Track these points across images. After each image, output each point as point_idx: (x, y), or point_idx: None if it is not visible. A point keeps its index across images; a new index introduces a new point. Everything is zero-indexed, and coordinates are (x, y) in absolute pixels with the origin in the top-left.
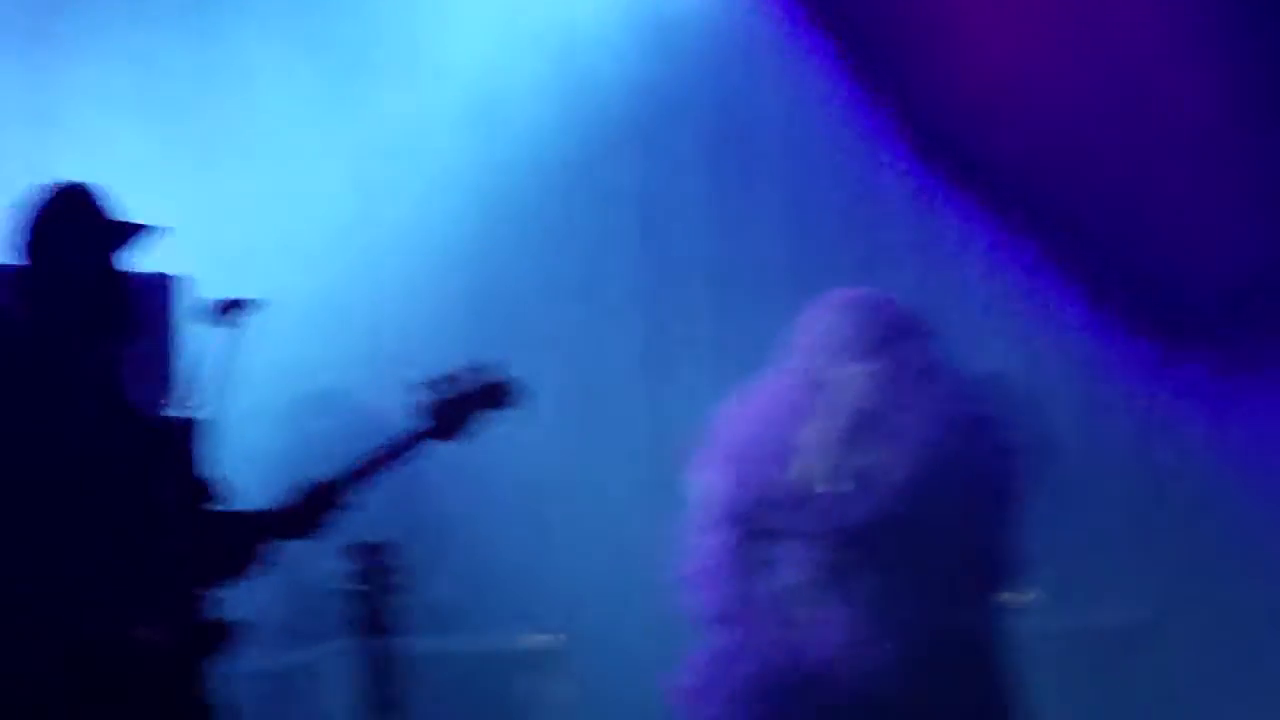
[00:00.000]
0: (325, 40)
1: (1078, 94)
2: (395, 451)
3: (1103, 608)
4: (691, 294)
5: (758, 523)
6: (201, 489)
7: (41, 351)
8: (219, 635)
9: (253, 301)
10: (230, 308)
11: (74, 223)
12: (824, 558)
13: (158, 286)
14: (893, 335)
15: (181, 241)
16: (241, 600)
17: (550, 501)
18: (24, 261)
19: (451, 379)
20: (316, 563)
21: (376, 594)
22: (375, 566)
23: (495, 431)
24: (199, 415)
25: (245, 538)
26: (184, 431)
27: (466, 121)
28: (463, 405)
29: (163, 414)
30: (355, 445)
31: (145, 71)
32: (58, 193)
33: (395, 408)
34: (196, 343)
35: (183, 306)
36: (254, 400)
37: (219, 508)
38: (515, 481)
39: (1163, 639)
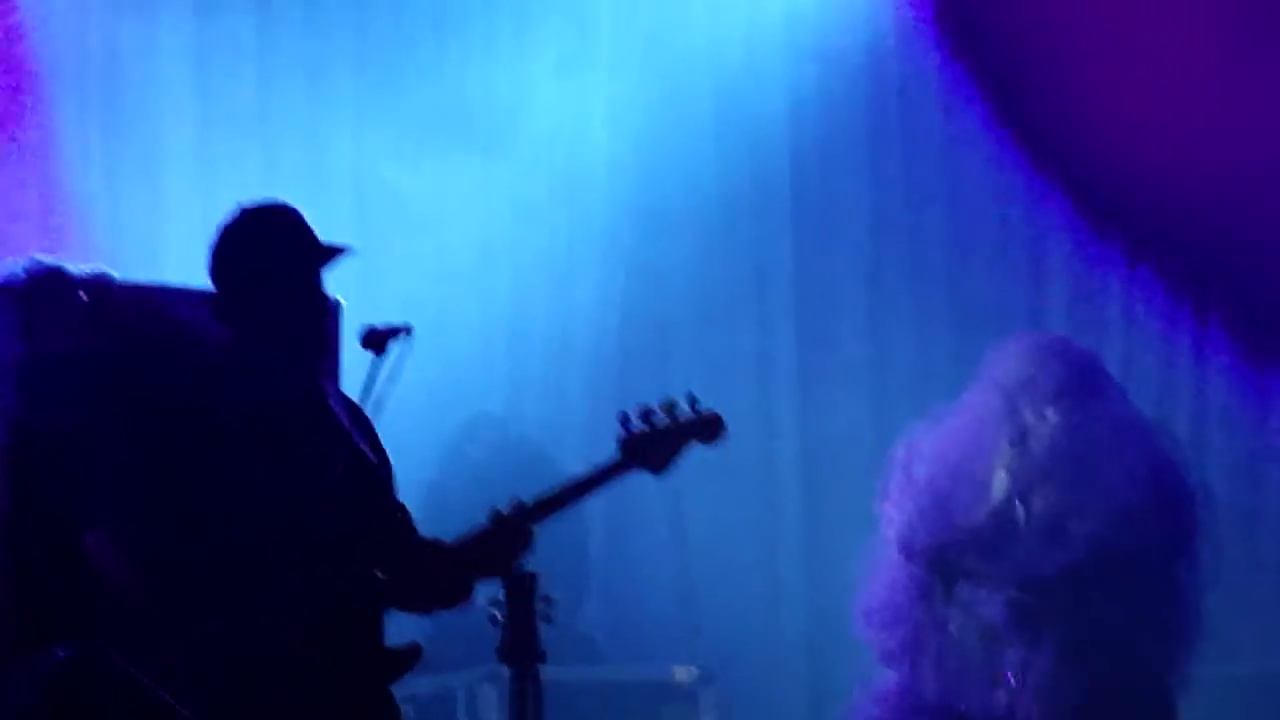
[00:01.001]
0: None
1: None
2: (596, 481)
3: (1244, 655)
4: (848, 316)
5: (948, 562)
6: (402, 515)
7: (240, 366)
8: (408, 658)
9: (409, 328)
10: (389, 334)
11: (285, 241)
12: (1014, 602)
13: (330, 310)
14: (1090, 385)
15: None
16: (392, 624)
17: (698, 532)
18: (229, 282)
19: (659, 411)
20: None
21: (523, 621)
22: (522, 594)
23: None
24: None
25: (454, 571)
26: (385, 457)
27: (624, 140)
28: (672, 438)
29: (366, 436)
30: (508, 470)
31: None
32: (264, 213)
33: (546, 435)
34: (356, 368)
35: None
36: (411, 425)
37: (417, 535)
38: (661, 514)
39: None
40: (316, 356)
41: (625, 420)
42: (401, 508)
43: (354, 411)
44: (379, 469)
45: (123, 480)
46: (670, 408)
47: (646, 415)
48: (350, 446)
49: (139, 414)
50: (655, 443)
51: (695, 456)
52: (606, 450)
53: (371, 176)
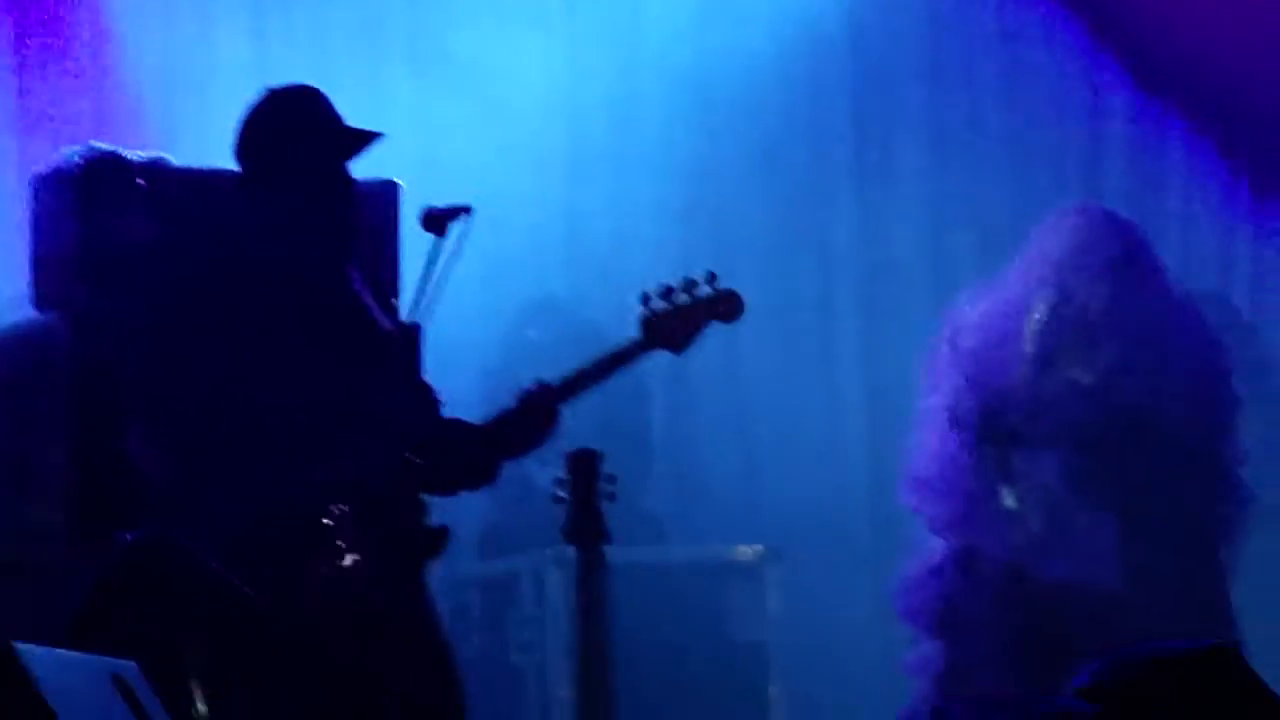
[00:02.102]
0: None
1: None
2: (618, 361)
3: None
4: (908, 213)
5: (996, 428)
6: (428, 395)
7: (274, 256)
8: (438, 540)
9: (469, 209)
10: (449, 215)
11: (309, 122)
12: (1069, 464)
13: (383, 194)
14: (1136, 257)
15: (400, 151)
16: (455, 506)
17: (760, 412)
18: (253, 166)
19: (679, 290)
20: (531, 469)
21: (587, 501)
22: (586, 474)
23: (705, 343)
24: (421, 321)
25: (480, 451)
26: (410, 337)
27: (681, 36)
28: (692, 316)
29: (390, 319)
30: (571, 355)
31: None
32: (289, 97)
33: (610, 319)
34: (418, 250)
35: (404, 214)
36: (472, 308)
37: (441, 415)
38: (725, 392)
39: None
40: (343, 240)
41: (646, 299)
42: (428, 388)
43: (381, 296)
44: (405, 352)
45: (158, 373)
46: (690, 286)
47: (667, 294)
48: (377, 330)
49: (179, 304)
50: (675, 321)
51: (756, 334)
52: None
53: (430, 45)
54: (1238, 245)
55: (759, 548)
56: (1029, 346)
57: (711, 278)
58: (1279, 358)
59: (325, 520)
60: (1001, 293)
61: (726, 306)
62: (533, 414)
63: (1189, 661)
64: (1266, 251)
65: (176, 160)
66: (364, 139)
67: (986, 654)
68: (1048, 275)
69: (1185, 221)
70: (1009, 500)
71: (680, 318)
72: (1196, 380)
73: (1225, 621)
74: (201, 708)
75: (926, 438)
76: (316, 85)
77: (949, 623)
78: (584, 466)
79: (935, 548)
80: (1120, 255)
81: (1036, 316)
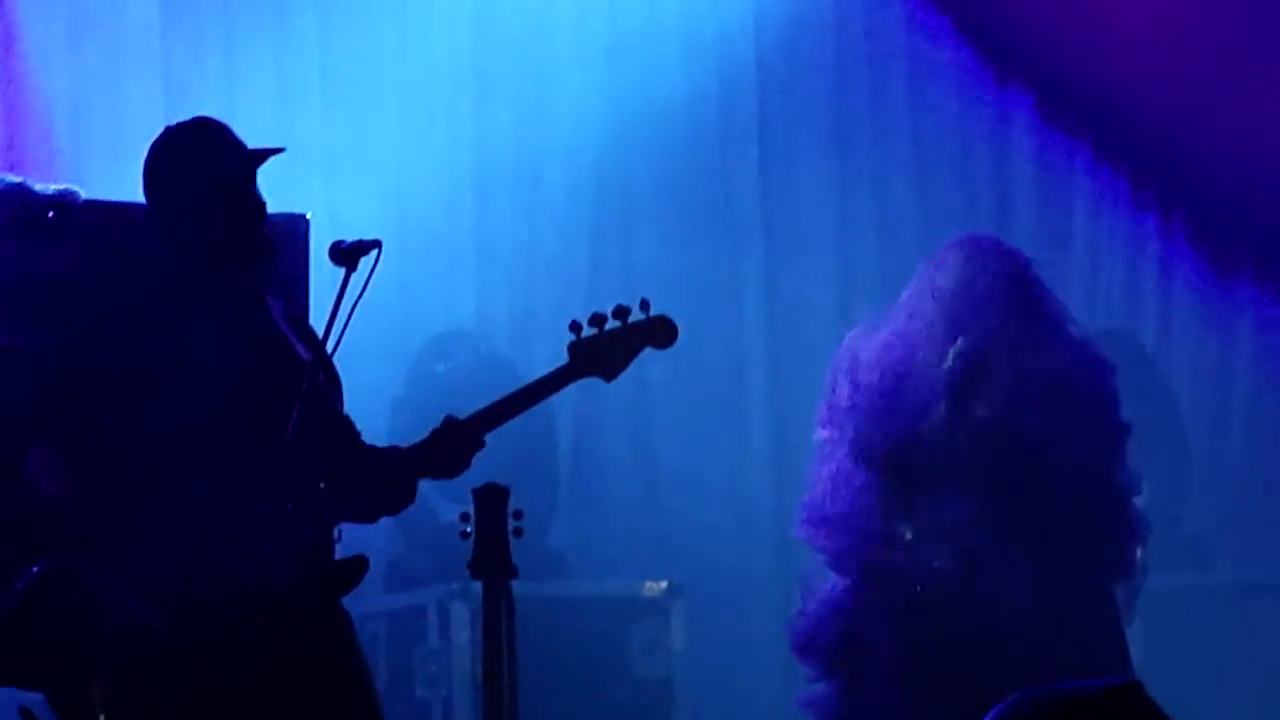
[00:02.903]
0: None
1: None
2: (545, 387)
3: (1220, 566)
4: (815, 228)
5: (900, 464)
6: (343, 424)
7: (182, 285)
8: (356, 570)
9: (378, 243)
10: (358, 249)
11: (209, 151)
12: (967, 499)
13: (292, 228)
14: (1024, 288)
15: (307, 186)
16: (362, 539)
17: (666, 443)
18: (160, 199)
19: (610, 316)
20: (438, 504)
21: (494, 536)
22: (493, 509)
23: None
24: (331, 354)
25: (398, 475)
26: (323, 367)
27: (590, 62)
28: (624, 342)
29: (308, 348)
30: (479, 387)
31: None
32: (189, 128)
33: (517, 351)
34: (323, 283)
35: (311, 247)
36: (379, 341)
37: (362, 443)
38: (631, 423)
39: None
40: (255, 266)
41: (576, 327)
42: (345, 418)
43: (298, 324)
44: (322, 380)
45: (63, 399)
46: (622, 313)
47: (597, 320)
48: (292, 358)
49: (82, 333)
50: (606, 347)
51: (662, 369)
52: None
53: (341, 78)
54: (1144, 279)
55: (664, 583)
56: (926, 382)
57: (644, 304)
58: (1182, 390)
59: (238, 549)
60: (895, 324)
61: (660, 333)
62: (455, 439)
63: (1095, 701)
64: (1175, 286)
65: (86, 193)
66: (264, 154)
67: (884, 693)
68: (939, 307)
69: (1093, 254)
70: (909, 537)
71: (611, 344)
72: (1087, 408)
73: (1120, 658)
74: None
75: (823, 471)
76: (222, 118)
77: (845, 660)
78: (491, 501)
79: (831, 583)
80: (1004, 284)
81: (930, 351)
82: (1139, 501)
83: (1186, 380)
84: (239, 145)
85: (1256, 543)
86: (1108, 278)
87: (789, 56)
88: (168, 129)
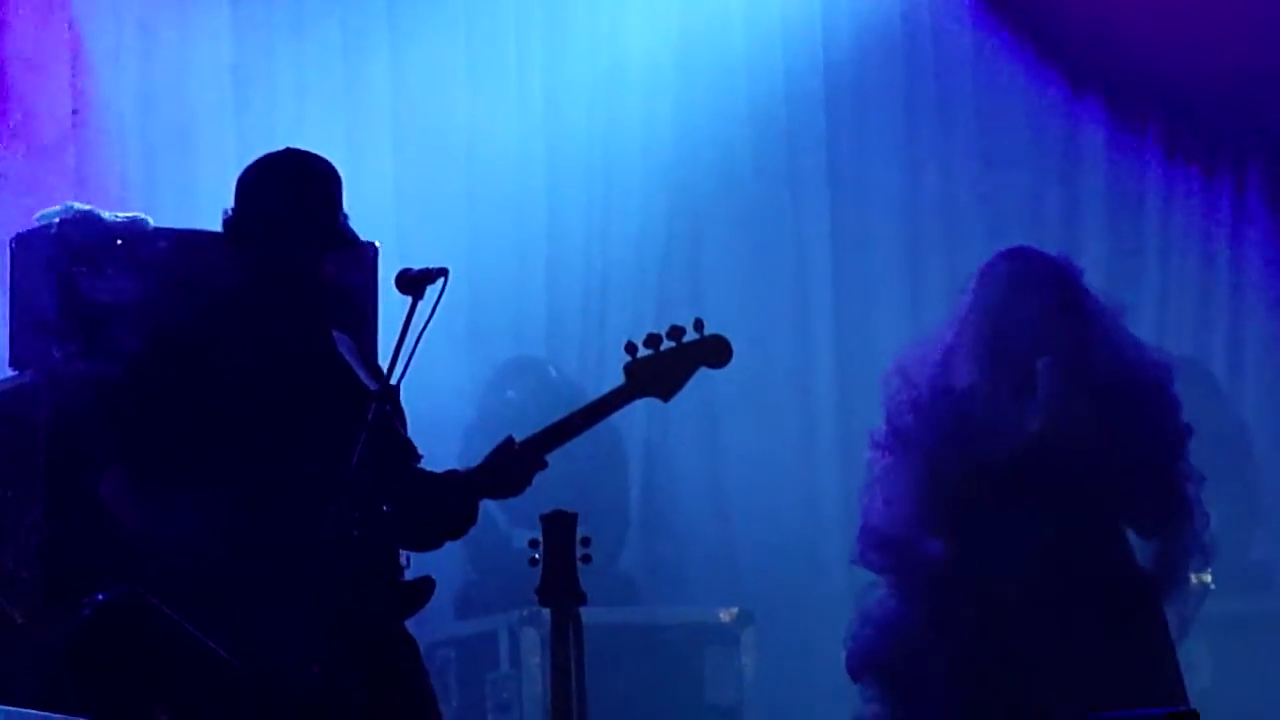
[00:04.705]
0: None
1: None
2: (602, 409)
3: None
4: (883, 239)
5: (963, 488)
6: (410, 452)
7: (250, 313)
8: (422, 593)
9: (445, 271)
10: (425, 277)
11: (303, 190)
12: (1037, 523)
13: (364, 256)
14: (1061, 291)
15: (377, 211)
16: (433, 566)
17: (735, 470)
18: (242, 225)
19: (665, 337)
20: (508, 531)
21: (562, 562)
22: (562, 535)
23: (682, 402)
24: (396, 382)
25: (460, 497)
26: (390, 397)
27: (660, 90)
28: (678, 362)
29: (375, 380)
30: (549, 414)
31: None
32: (284, 151)
33: (587, 379)
34: (394, 312)
35: (382, 275)
36: (452, 369)
37: (423, 469)
38: (701, 452)
39: None
40: (324, 299)
41: (632, 348)
42: (409, 445)
43: (364, 357)
44: (387, 409)
45: (134, 425)
46: (676, 334)
47: (653, 341)
48: (357, 387)
49: (150, 359)
50: (661, 367)
51: (732, 392)
52: None
53: (409, 107)
54: (1216, 306)
55: (734, 610)
56: (982, 400)
57: (699, 324)
58: (1251, 418)
59: (305, 576)
60: (944, 342)
61: (714, 353)
62: (514, 459)
63: None
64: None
65: (155, 221)
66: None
67: (940, 716)
68: (988, 322)
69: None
70: (971, 558)
71: (666, 364)
72: (1145, 411)
73: (1175, 687)
74: None
75: (879, 495)
76: (295, 142)
77: (901, 682)
78: (559, 528)
79: (885, 605)
80: (1055, 299)
81: (980, 367)
82: (1203, 502)
83: (1255, 409)
84: (332, 173)
85: None
86: (1177, 301)
87: (856, 60)
88: (265, 156)
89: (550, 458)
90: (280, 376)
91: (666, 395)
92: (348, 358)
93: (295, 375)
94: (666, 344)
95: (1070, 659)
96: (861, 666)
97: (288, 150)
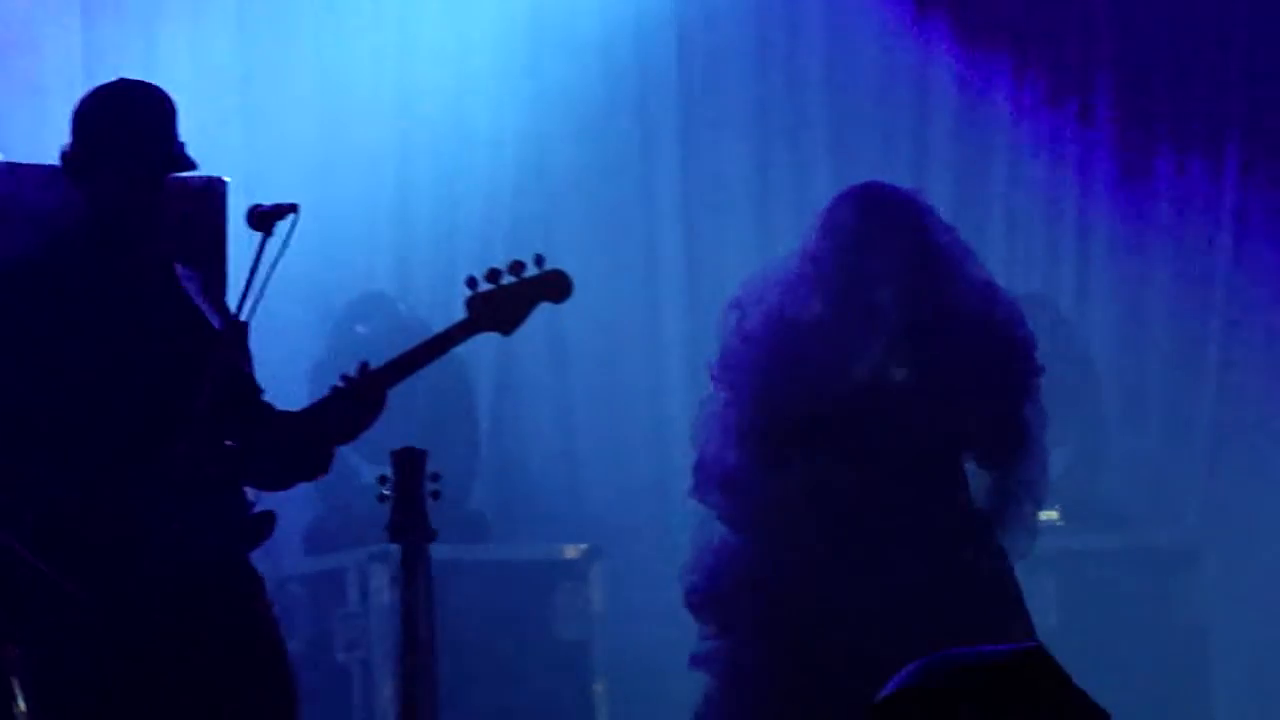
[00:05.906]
0: None
1: None
2: (443, 343)
3: (1143, 529)
4: (732, 173)
5: (797, 423)
6: (254, 389)
7: (88, 249)
8: (263, 526)
9: (296, 207)
10: (275, 213)
11: (133, 118)
12: (868, 455)
13: (210, 191)
14: (922, 233)
15: (225, 148)
16: (281, 503)
17: (584, 405)
18: (76, 157)
19: (505, 271)
20: (357, 466)
21: (412, 499)
22: (411, 472)
23: (530, 336)
24: (245, 318)
25: (302, 437)
26: (236, 332)
27: (511, 26)
28: (519, 297)
29: (221, 316)
30: (399, 349)
31: None
32: (116, 83)
33: (438, 314)
34: (241, 247)
35: (229, 211)
36: (299, 307)
37: (269, 406)
38: (549, 387)
39: (1200, 562)
40: (166, 234)
41: (472, 282)
42: (251, 381)
43: (211, 293)
44: (227, 341)
45: None
46: (517, 268)
47: (494, 275)
48: (202, 324)
49: None
50: (501, 302)
51: (580, 329)
52: None
53: (260, 36)
54: (1064, 241)
55: (583, 546)
56: (821, 333)
57: (539, 259)
58: (1097, 354)
59: (147, 514)
60: (783, 276)
61: (554, 287)
62: (354, 399)
63: (998, 666)
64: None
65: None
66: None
67: (779, 653)
68: (832, 257)
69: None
70: (804, 494)
71: (506, 299)
72: (994, 348)
73: (1022, 623)
74: (22, 705)
75: (714, 428)
76: (144, 77)
77: (739, 619)
78: (409, 464)
79: (720, 540)
80: (905, 227)
81: (822, 300)
82: (1047, 440)
83: (1103, 346)
84: (164, 100)
85: (1172, 507)
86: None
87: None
88: (96, 87)
89: (400, 396)
90: (121, 311)
91: (507, 329)
92: (193, 294)
93: (137, 311)
94: (507, 278)
95: (899, 603)
96: (701, 603)
97: (120, 80)
